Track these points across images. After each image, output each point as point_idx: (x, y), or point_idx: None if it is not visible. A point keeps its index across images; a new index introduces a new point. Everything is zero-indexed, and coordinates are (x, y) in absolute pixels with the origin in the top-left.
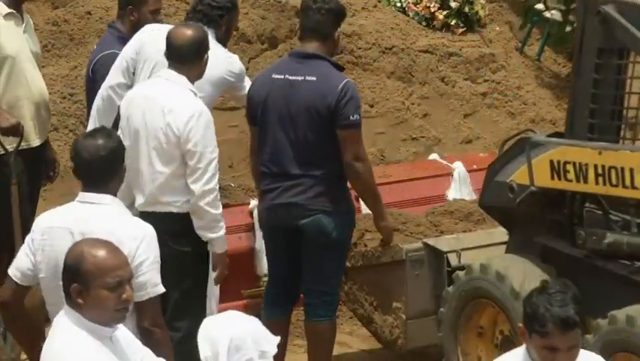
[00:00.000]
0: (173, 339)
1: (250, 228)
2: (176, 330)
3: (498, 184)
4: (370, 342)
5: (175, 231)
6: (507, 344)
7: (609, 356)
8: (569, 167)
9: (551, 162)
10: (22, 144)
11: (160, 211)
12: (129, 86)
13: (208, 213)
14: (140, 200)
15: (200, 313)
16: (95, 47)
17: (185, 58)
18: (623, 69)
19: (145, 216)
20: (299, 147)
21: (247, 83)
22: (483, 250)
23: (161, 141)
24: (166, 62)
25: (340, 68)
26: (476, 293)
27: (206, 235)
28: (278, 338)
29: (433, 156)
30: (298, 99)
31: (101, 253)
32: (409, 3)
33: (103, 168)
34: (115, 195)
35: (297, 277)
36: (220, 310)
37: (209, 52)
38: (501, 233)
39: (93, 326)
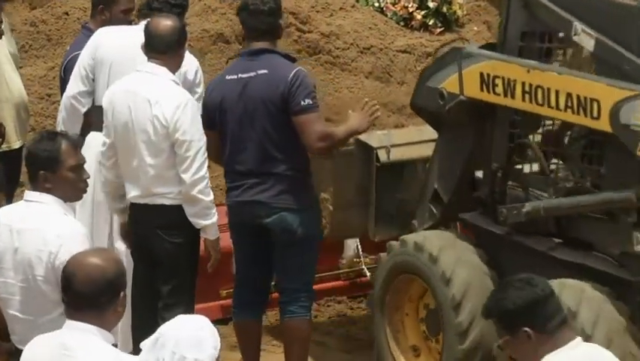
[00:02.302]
0: None
1: (228, 227)
2: (165, 321)
3: (429, 89)
4: (350, 343)
5: (168, 223)
6: (432, 316)
7: None
8: (498, 81)
9: (481, 74)
10: (3, 146)
11: (153, 203)
12: (90, 93)
13: (201, 201)
14: (133, 192)
15: (190, 305)
16: (68, 47)
17: (167, 47)
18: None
19: (138, 208)
20: (259, 144)
21: (201, 89)
22: (413, 146)
23: (150, 133)
24: (123, 61)
25: (292, 59)
26: (407, 268)
27: (199, 222)
28: (215, 353)
29: None
30: (254, 95)
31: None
32: (387, 3)
33: (42, 169)
34: (60, 195)
35: (266, 277)
36: (197, 310)
37: None
38: (431, 131)
39: (109, 335)
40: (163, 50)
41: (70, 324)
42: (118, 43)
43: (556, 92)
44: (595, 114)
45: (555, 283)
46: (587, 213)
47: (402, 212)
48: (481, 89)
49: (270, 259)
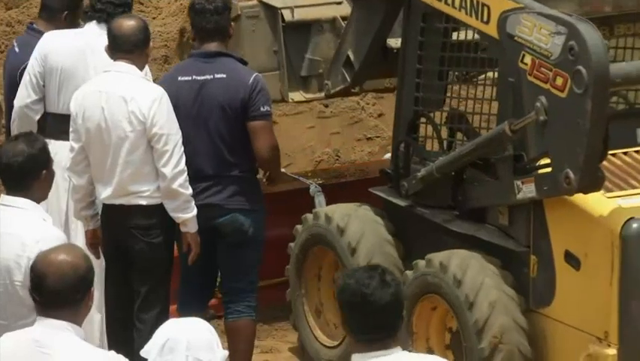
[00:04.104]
0: (140, 332)
1: None
2: (142, 322)
3: None
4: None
5: (143, 224)
6: None
7: (420, 296)
8: None
9: None
10: None
11: (129, 204)
12: (41, 100)
13: (182, 195)
14: (106, 192)
15: (165, 304)
16: (16, 50)
17: (134, 46)
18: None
19: (112, 209)
20: (213, 146)
21: None
22: (317, 7)
23: (126, 130)
24: (73, 66)
25: (244, 62)
26: (320, 240)
27: (179, 216)
28: (226, 352)
29: (388, 156)
30: (210, 98)
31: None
32: None
33: (21, 173)
34: (38, 199)
35: (210, 278)
36: (172, 310)
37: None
38: None
39: (80, 330)
40: (130, 49)
41: (43, 321)
42: (66, 49)
43: None
44: (485, 19)
45: (446, 253)
46: (477, 178)
47: (314, 73)
48: None
49: (218, 261)
